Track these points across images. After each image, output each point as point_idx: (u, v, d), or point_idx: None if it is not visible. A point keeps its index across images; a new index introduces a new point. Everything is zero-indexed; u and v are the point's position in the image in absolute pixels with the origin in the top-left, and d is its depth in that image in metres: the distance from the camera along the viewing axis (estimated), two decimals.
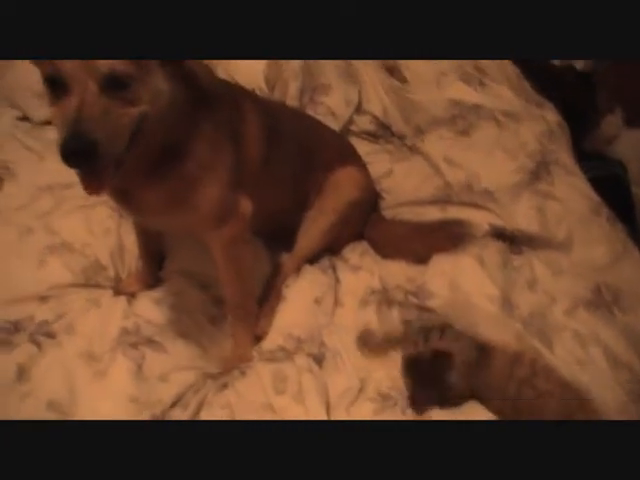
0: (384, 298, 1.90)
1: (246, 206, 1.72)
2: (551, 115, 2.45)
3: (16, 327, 1.79)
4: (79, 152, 1.20)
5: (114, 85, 1.25)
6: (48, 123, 2.41)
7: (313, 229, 2.04)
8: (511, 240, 2.04)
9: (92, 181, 1.31)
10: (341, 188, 2.05)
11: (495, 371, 1.59)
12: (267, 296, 2.00)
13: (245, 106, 1.76)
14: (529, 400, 1.55)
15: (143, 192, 1.55)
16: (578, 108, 2.67)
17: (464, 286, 1.85)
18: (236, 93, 1.81)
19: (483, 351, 1.62)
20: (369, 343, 1.75)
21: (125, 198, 1.60)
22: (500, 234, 2.04)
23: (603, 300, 1.89)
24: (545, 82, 2.66)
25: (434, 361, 1.62)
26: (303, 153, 1.98)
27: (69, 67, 1.23)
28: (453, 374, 1.59)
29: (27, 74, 2.55)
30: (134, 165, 1.44)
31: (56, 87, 1.26)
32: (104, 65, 1.23)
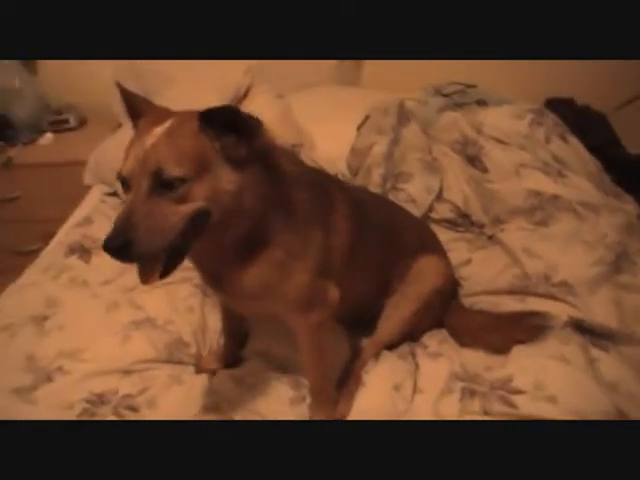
0: (466, 387, 1.87)
1: (333, 293, 1.74)
2: (630, 207, 2.45)
3: (101, 400, 1.83)
4: (115, 249, 1.26)
5: (163, 184, 1.30)
6: None
7: (395, 315, 2.05)
8: (591, 333, 1.99)
9: (144, 271, 1.37)
10: (424, 276, 2.07)
11: None
12: (346, 381, 1.99)
13: (333, 193, 1.79)
14: None
15: (233, 276, 1.59)
16: None
17: (550, 388, 1.77)
18: (324, 180, 1.85)
19: None
20: None
21: (216, 281, 1.65)
22: (579, 327, 2.00)
23: None
24: (623, 173, 2.67)
25: None
26: (387, 240, 2.01)
27: (129, 166, 1.32)
28: None
29: (114, 151, 2.70)
30: (221, 252, 1.52)
31: (124, 184, 1.35)
32: (153, 164, 1.29)
